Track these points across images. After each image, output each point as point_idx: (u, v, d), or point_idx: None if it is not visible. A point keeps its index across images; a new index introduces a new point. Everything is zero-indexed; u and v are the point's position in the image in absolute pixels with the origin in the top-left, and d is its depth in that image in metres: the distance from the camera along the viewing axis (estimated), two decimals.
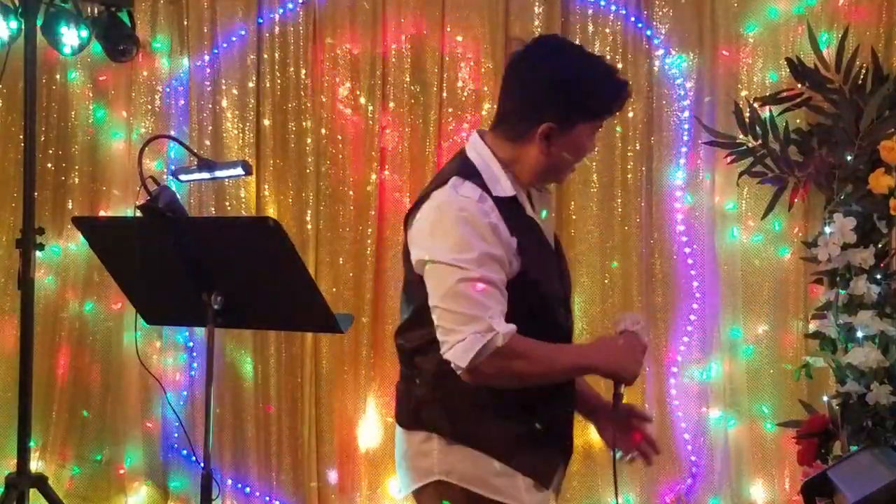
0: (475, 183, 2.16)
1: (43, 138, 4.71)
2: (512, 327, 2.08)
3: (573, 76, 2.16)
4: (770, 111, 4.27)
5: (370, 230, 4.59)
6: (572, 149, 2.22)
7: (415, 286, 2.20)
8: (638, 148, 4.46)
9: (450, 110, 4.55)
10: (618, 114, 4.44)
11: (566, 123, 2.17)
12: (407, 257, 2.23)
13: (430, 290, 2.12)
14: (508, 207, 2.17)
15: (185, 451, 4.66)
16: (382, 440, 4.62)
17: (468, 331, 2.05)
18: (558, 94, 2.16)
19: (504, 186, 2.19)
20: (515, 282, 2.14)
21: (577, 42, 4.44)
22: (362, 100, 4.63)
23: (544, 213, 2.35)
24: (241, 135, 4.67)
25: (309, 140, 4.65)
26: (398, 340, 2.32)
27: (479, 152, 2.24)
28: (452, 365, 2.08)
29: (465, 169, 2.20)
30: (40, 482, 3.73)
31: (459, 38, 4.56)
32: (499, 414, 2.19)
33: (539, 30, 4.47)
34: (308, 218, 4.64)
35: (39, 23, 4.13)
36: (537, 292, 2.20)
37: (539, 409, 2.23)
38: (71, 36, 4.33)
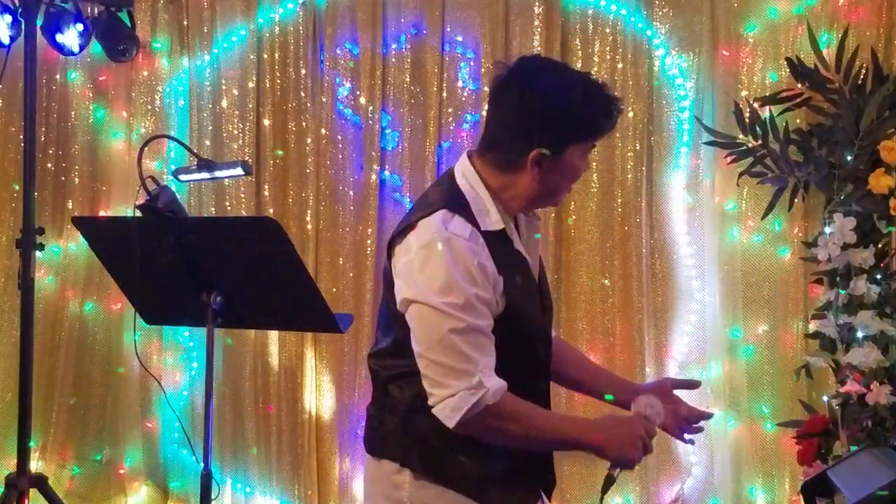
0: (464, 217, 2.08)
1: (43, 138, 4.72)
2: (502, 384, 2.03)
3: (560, 100, 2.09)
4: (770, 111, 4.27)
5: (370, 230, 4.59)
6: (565, 172, 2.15)
7: (395, 316, 2.13)
8: (638, 148, 4.45)
9: (450, 110, 4.55)
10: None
11: (557, 148, 2.10)
12: (388, 283, 2.17)
13: (416, 335, 2.05)
14: (496, 241, 2.11)
15: (185, 451, 4.66)
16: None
17: (458, 386, 1.99)
18: (547, 119, 2.08)
19: (493, 220, 2.12)
20: (499, 319, 2.07)
21: (577, 42, 4.47)
22: (362, 100, 4.63)
23: (537, 236, 2.30)
24: (241, 135, 4.67)
25: (309, 140, 4.65)
26: (372, 364, 2.26)
27: (468, 180, 2.16)
28: (440, 418, 2.03)
29: (453, 199, 2.12)
30: (40, 482, 3.73)
31: (459, 38, 4.56)
32: (473, 452, 2.12)
33: (539, 30, 4.47)
34: (308, 218, 4.64)
35: (39, 23, 4.13)
36: (519, 330, 2.13)
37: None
38: (71, 36, 4.33)
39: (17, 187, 4.67)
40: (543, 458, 2.29)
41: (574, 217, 4.52)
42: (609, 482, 2.19)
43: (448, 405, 2.01)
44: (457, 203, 2.11)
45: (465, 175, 2.17)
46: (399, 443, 2.19)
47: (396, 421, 2.19)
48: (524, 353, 2.17)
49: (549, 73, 2.16)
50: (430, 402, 2.04)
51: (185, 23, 4.70)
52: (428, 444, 2.14)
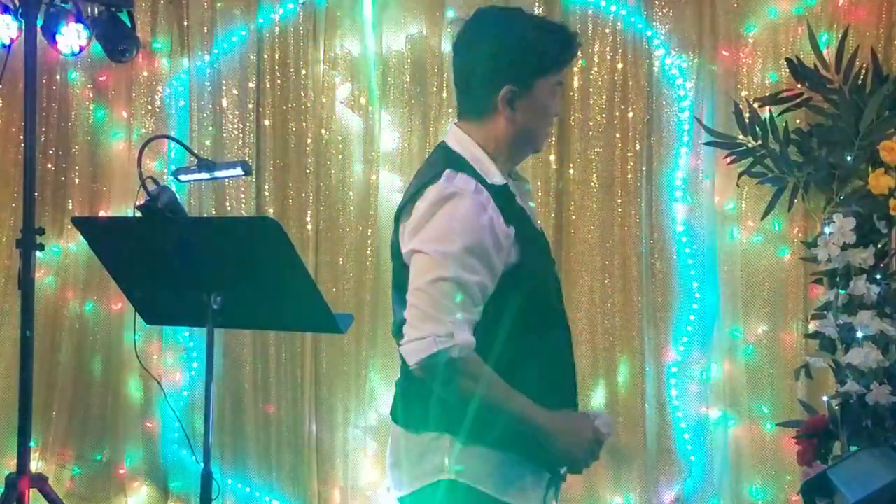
0: (468, 174, 2.13)
1: (43, 138, 4.72)
2: (470, 341, 2.04)
3: (519, 35, 2.16)
4: (770, 111, 4.27)
5: (370, 230, 4.59)
6: (538, 110, 2.20)
7: (406, 288, 2.14)
8: (638, 148, 4.45)
9: (450, 110, 4.55)
10: (617, 114, 4.49)
11: (524, 83, 2.16)
12: (397, 254, 2.21)
13: (410, 281, 2.09)
14: (502, 196, 2.14)
15: (185, 451, 4.67)
16: (383, 440, 4.62)
17: (428, 331, 2.01)
18: (509, 54, 2.15)
19: (496, 177, 2.17)
20: (515, 271, 2.12)
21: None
22: (362, 100, 4.63)
23: (532, 204, 2.36)
24: (241, 135, 4.68)
25: (309, 140, 4.65)
26: (397, 339, 2.26)
27: (461, 143, 2.21)
28: (404, 355, 2.06)
29: (453, 160, 2.17)
30: (40, 482, 3.73)
31: None
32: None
33: None
34: (308, 218, 4.64)
35: (39, 23, 4.13)
36: (536, 280, 2.19)
37: (558, 398, 2.21)
38: (71, 36, 4.33)
39: (17, 187, 4.68)
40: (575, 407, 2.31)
41: (574, 217, 4.52)
42: (562, 479, 2.23)
43: (414, 347, 2.03)
44: (456, 163, 2.16)
45: (459, 141, 2.22)
46: (437, 409, 2.18)
47: (428, 390, 2.15)
48: (545, 303, 2.22)
49: (502, 16, 2.24)
50: (401, 341, 2.07)
51: (185, 23, 4.71)
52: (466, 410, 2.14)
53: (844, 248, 3.87)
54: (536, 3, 4.47)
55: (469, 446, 2.17)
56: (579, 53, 2.28)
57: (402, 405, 2.29)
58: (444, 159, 2.21)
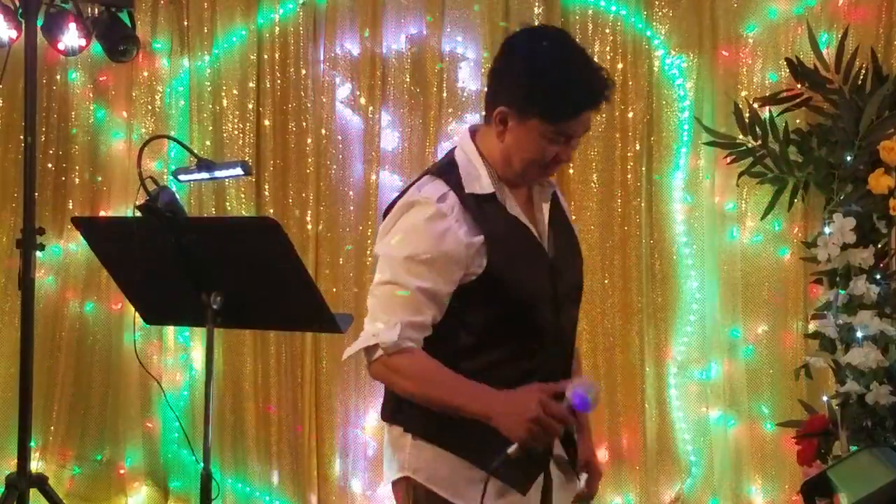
0: (445, 180, 2.13)
1: (43, 138, 4.72)
2: (393, 340, 2.08)
3: (544, 67, 2.08)
4: (770, 111, 4.27)
5: (370, 230, 4.59)
6: (522, 142, 2.11)
7: None
8: (638, 148, 4.46)
9: (450, 110, 4.55)
10: (617, 114, 4.48)
11: (522, 112, 2.09)
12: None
13: None
14: (483, 204, 2.12)
15: (185, 451, 4.66)
16: (382, 440, 4.61)
17: (367, 329, 2.15)
18: (523, 78, 2.08)
19: (483, 184, 2.14)
20: (482, 279, 2.09)
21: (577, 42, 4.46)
22: (362, 100, 4.63)
23: (550, 204, 2.29)
24: (241, 135, 4.68)
25: (309, 140, 4.65)
26: None
27: (464, 148, 2.21)
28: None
29: (443, 166, 2.20)
30: (40, 482, 3.73)
31: (459, 38, 4.56)
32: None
33: None
34: (308, 218, 4.64)
35: (39, 23, 4.13)
36: (508, 292, 2.12)
37: None
38: (71, 36, 4.32)
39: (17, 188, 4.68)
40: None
41: (574, 217, 4.49)
42: (501, 457, 1.99)
43: (355, 343, 2.17)
44: (444, 169, 2.18)
45: (463, 147, 2.23)
46: (403, 406, 2.22)
47: None
48: (517, 316, 2.14)
49: (543, 40, 2.15)
50: None
51: (185, 23, 4.71)
52: (429, 409, 2.16)
53: (844, 248, 3.87)
54: (536, 4, 4.47)
55: (423, 445, 2.20)
56: (583, 115, 2.10)
57: (383, 399, 2.37)
58: (437, 164, 2.27)
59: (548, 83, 2.07)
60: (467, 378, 2.09)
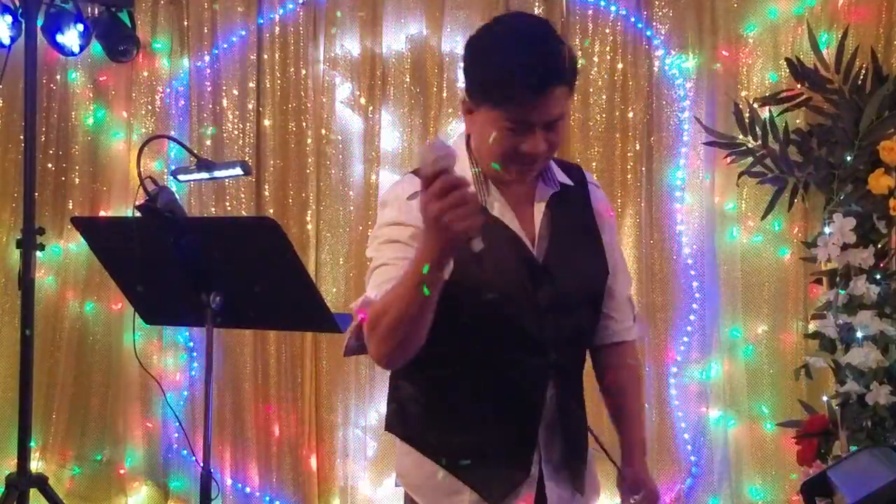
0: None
1: (43, 138, 4.72)
2: (364, 300, 1.96)
3: (488, 52, 1.97)
4: (770, 111, 4.27)
5: (370, 230, 4.58)
6: (482, 131, 2.01)
7: None
8: (638, 148, 4.46)
9: (450, 110, 4.55)
10: (617, 114, 4.48)
11: (474, 99, 2.00)
12: None
13: None
14: None
15: (185, 451, 4.67)
16: (383, 440, 4.62)
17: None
18: (472, 65, 2.01)
19: None
20: (449, 283, 1.86)
21: (577, 42, 4.46)
22: (362, 100, 4.63)
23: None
24: (241, 135, 4.68)
25: (309, 140, 4.65)
26: None
27: (457, 146, 2.08)
28: None
29: None
30: (40, 482, 3.73)
31: (459, 39, 4.56)
32: (449, 422, 2.09)
33: None
34: (308, 218, 4.64)
35: (39, 23, 4.13)
36: (468, 297, 1.98)
37: (490, 421, 2.07)
38: (71, 36, 4.32)
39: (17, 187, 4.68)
40: (523, 442, 2.10)
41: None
42: (473, 248, 1.73)
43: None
44: None
45: (456, 145, 2.12)
46: (390, 410, 2.22)
47: (389, 391, 2.24)
48: (481, 324, 2.02)
49: (497, 24, 2.04)
50: None
51: (185, 23, 4.71)
52: (407, 411, 2.16)
53: (844, 248, 3.87)
54: (537, 4, 4.47)
55: (408, 451, 2.16)
56: (521, 98, 1.93)
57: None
58: None
59: (490, 67, 1.95)
60: (444, 388, 2.07)
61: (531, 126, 1.95)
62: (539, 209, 2.12)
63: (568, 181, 2.17)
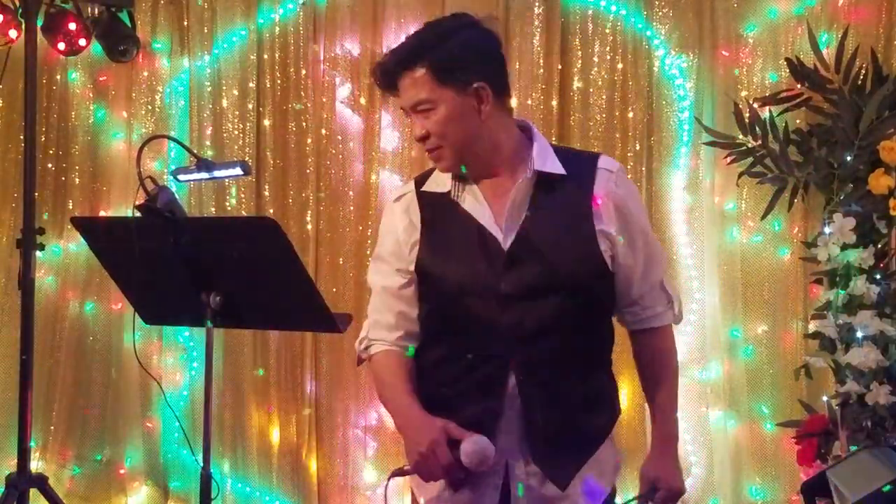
0: (416, 180, 2.29)
1: (43, 138, 4.72)
2: (360, 337, 2.31)
3: None
4: (770, 111, 4.27)
5: (370, 230, 4.59)
6: None
7: None
8: (638, 148, 4.45)
9: None
10: (617, 114, 4.48)
11: None
12: None
13: None
14: (435, 202, 2.21)
15: (185, 451, 4.67)
16: (383, 440, 4.62)
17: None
18: None
19: (439, 181, 2.22)
20: (419, 275, 2.21)
21: (577, 42, 4.47)
22: (362, 100, 4.63)
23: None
24: (241, 135, 4.68)
25: (309, 140, 4.65)
26: None
27: None
28: None
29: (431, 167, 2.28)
30: (40, 482, 3.73)
31: None
32: (427, 405, 2.18)
33: (539, 30, 4.47)
34: (308, 218, 4.64)
35: (39, 23, 4.13)
36: (436, 285, 2.18)
37: (456, 408, 2.15)
38: (71, 36, 4.32)
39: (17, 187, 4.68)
40: (487, 427, 2.13)
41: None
42: (400, 468, 2.16)
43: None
44: (428, 171, 2.29)
45: None
46: None
47: None
48: (449, 310, 2.18)
49: None
50: None
51: (185, 23, 4.71)
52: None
53: (844, 248, 3.87)
54: (537, 4, 4.47)
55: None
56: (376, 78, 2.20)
57: None
58: None
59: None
60: (420, 376, 2.22)
61: (408, 114, 2.18)
62: (510, 197, 2.16)
63: (558, 170, 2.17)
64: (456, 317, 2.17)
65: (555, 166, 2.17)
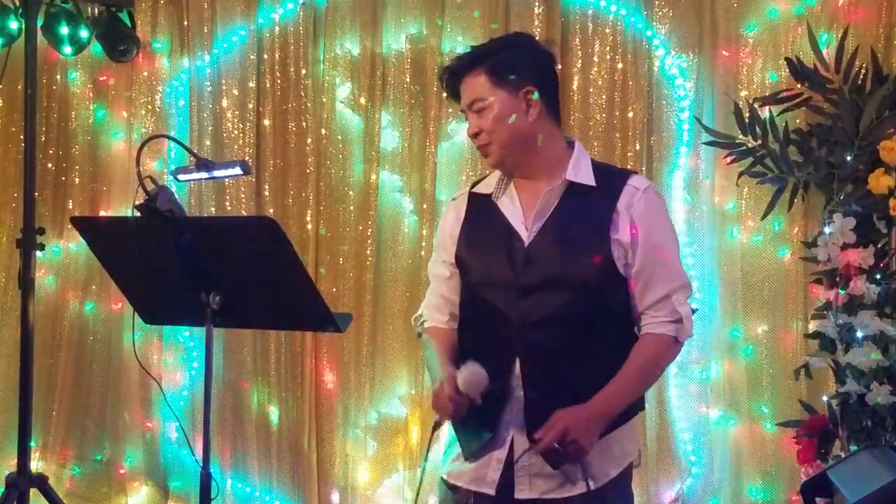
0: (473, 183, 2.59)
1: (43, 138, 4.72)
2: (427, 322, 2.53)
3: None
4: (770, 111, 4.27)
5: (370, 230, 4.59)
6: None
7: None
8: (638, 148, 4.45)
9: (450, 110, 4.55)
10: (617, 114, 4.48)
11: None
12: None
13: None
14: (480, 203, 2.48)
15: (185, 451, 4.67)
16: (383, 440, 4.62)
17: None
18: None
19: (487, 185, 2.49)
20: (458, 266, 2.49)
21: (577, 42, 4.47)
22: (362, 100, 4.63)
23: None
24: (241, 135, 4.68)
25: (309, 140, 4.65)
26: None
27: None
28: None
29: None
30: (40, 482, 3.73)
31: (459, 38, 4.56)
32: None
33: (539, 30, 4.47)
34: (308, 218, 4.64)
35: (39, 23, 4.13)
36: (467, 276, 2.46)
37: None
38: (71, 36, 4.32)
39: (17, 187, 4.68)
40: (489, 409, 2.34)
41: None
42: (435, 424, 2.41)
43: None
44: (483, 175, 2.63)
45: None
46: None
47: None
48: (476, 298, 2.44)
49: None
50: None
51: (185, 23, 4.71)
52: None
53: (844, 247, 3.87)
54: (536, 4, 4.47)
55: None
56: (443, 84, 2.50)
57: None
58: None
59: None
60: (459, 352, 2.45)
61: (466, 113, 2.44)
62: (541, 200, 2.39)
63: (589, 181, 2.39)
64: (479, 305, 2.42)
65: (587, 178, 2.39)
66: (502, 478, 2.35)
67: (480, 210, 2.46)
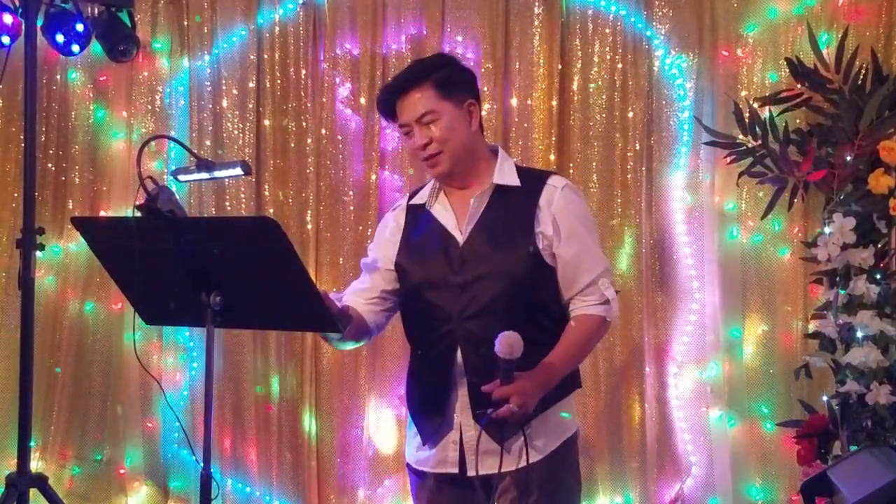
0: (411, 193, 2.78)
1: (43, 138, 4.72)
2: (345, 299, 2.66)
3: None
4: (770, 111, 4.27)
5: (370, 230, 4.59)
6: None
7: None
8: (638, 148, 4.46)
9: None
10: (617, 114, 4.48)
11: None
12: None
13: None
14: (416, 212, 2.68)
15: (185, 451, 4.67)
16: (383, 440, 4.62)
17: None
18: None
19: (421, 195, 2.71)
20: (396, 270, 2.66)
21: (577, 42, 4.48)
22: (362, 100, 4.64)
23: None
24: (241, 135, 4.68)
25: (309, 140, 4.65)
26: None
27: None
28: None
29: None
30: (40, 482, 3.72)
31: (459, 38, 4.56)
32: (408, 381, 2.75)
33: (539, 30, 4.47)
34: (308, 218, 4.65)
35: (39, 23, 4.13)
36: (408, 278, 2.64)
37: (425, 379, 2.66)
38: (71, 36, 4.32)
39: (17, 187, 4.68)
40: (441, 396, 2.58)
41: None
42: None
43: None
44: (419, 186, 2.79)
45: None
46: None
47: None
48: (417, 296, 2.62)
49: None
50: None
51: (185, 23, 4.71)
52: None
53: (844, 247, 3.87)
54: (536, 4, 4.47)
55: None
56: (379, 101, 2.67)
57: None
58: None
59: None
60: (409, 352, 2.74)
61: (409, 127, 2.59)
62: (470, 204, 2.60)
63: (514, 182, 2.61)
64: (422, 304, 2.61)
65: (511, 180, 2.61)
66: (461, 457, 2.57)
67: (417, 219, 2.67)
